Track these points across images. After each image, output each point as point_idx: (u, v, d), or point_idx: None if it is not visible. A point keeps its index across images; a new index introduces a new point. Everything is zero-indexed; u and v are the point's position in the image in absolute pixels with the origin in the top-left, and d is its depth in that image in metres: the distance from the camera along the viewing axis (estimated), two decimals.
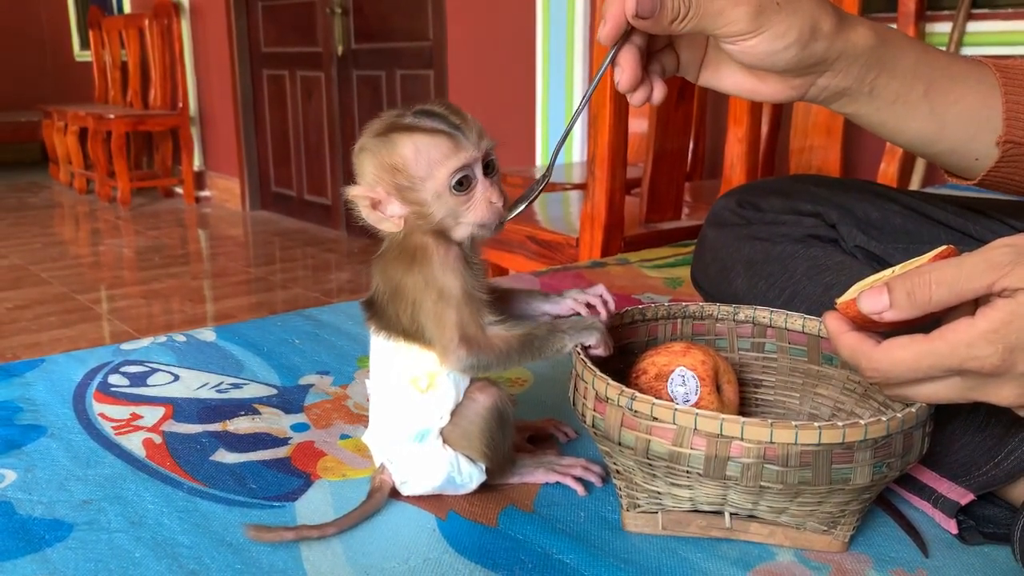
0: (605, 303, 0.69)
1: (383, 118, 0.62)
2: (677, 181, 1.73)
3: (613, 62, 0.62)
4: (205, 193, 5.18)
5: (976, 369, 0.48)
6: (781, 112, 2.02)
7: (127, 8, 5.58)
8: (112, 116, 4.78)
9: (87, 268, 3.64)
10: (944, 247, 0.52)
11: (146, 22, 4.99)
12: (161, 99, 5.06)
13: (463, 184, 0.60)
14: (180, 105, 4.97)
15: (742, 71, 0.65)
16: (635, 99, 0.65)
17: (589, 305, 0.69)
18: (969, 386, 0.51)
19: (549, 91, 2.83)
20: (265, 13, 4.47)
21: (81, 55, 6.36)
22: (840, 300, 0.55)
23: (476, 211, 0.61)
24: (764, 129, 1.93)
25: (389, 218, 0.62)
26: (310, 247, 4.00)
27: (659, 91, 0.65)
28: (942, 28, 2.03)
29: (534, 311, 0.70)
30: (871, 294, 0.51)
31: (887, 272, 0.54)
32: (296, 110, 4.41)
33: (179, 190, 5.22)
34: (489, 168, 0.62)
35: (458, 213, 0.61)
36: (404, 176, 0.60)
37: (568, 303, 0.69)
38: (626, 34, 0.61)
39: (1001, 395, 0.50)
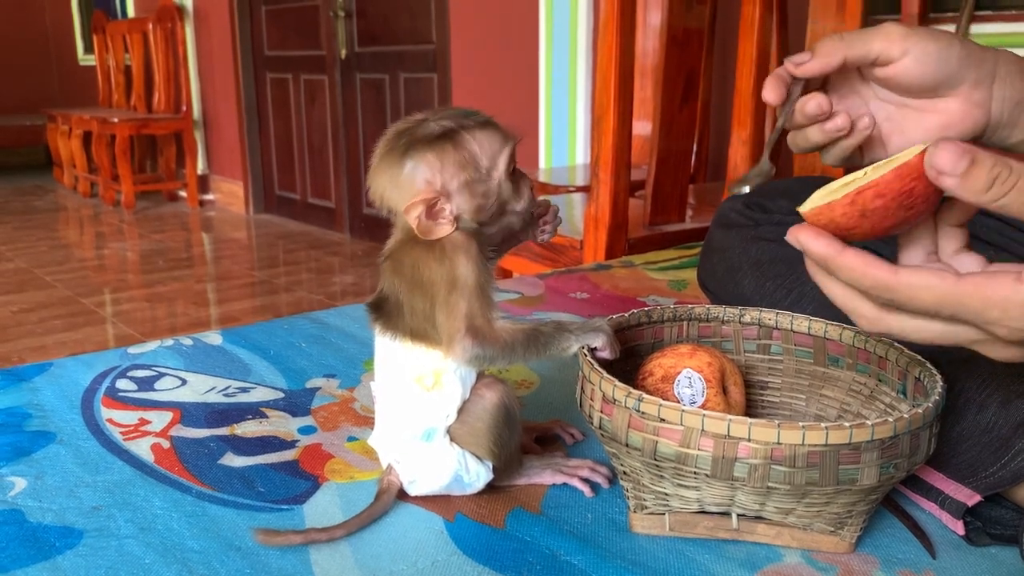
0: (554, 211, 0.72)
1: (416, 128, 0.62)
2: (681, 183, 1.73)
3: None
4: (209, 196, 5.18)
5: (998, 334, 0.45)
6: None
7: (131, 12, 5.59)
8: (116, 120, 4.79)
9: (91, 271, 3.65)
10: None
11: (150, 26, 5.00)
12: (165, 103, 5.07)
13: (515, 171, 0.64)
14: (184, 109, 4.98)
15: (922, 114, 0.60)
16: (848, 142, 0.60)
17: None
18: (972, 339, 0.47)
19: (552, 94, 2.83)
20: (268, 16, 4.48)
21: (85, 59, 6.38)
22: (807, 209, 0.50)
23: (523, 197, 0.65)
24: (767, 132, 1.93)
25: (443, 221, 0.62)
26: (314, 250, 4.00)
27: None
28: (945, 30, 2.03)
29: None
30: (954, 150, 0.44)
31: (851, 177, 0.50)
32: (299, 113, 4.41)
33: (183, 194, 5.23)
34: None
35: (508, 200, 0.65)
36: (473, 169, 0.62)
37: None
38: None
39: (1000, 354, 0.48)
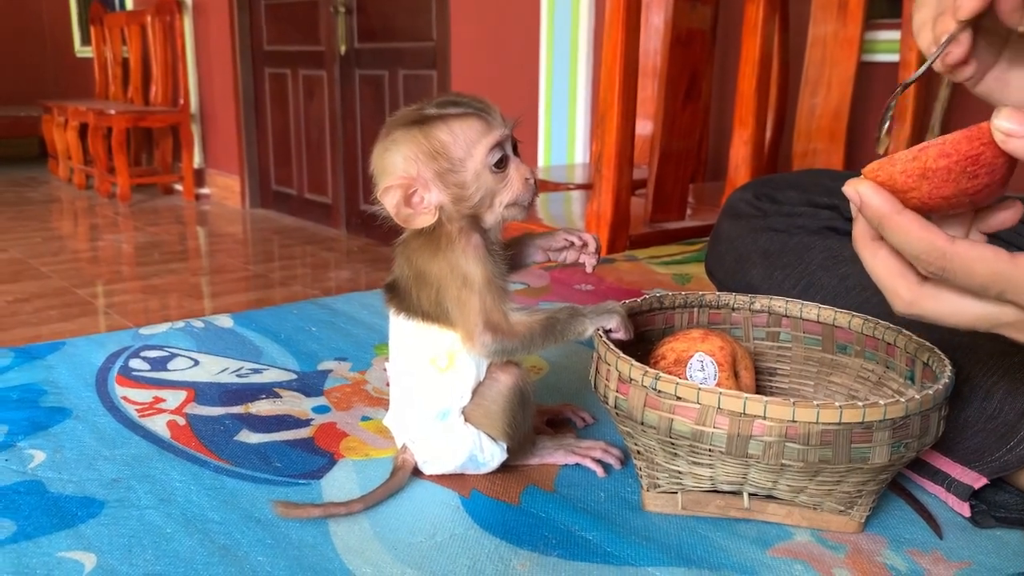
0: (596, 240, 0.73)
1: (404, 114, 0.64)
2: (682, 181, 1.74)
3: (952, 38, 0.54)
4: (205, 190, 5.17)
5: None
6: (785, 115, 2.04)
7: (129, 4, 5.58)
8: (113, 112, 4.78)
9: (86, 263, 3.64)
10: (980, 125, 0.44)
11: (148, 19, 4.99)
12: (162, 96, 5.06)
13: (501, 162, 0.63)
14: (181, 102, 4.97)
15: None
16: (962, 74, 0.57)
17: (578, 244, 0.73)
18: (1010, 320, 0.45)
19: (553, 92, 2.84)
20: (268, 11, 4.48)
21: (82, 51, 6.35)
22: (872, 168, 0.46)
23: (512, 189, 0.64)
24: (768, 133, 1.95)
25: (422, 211, 0.63)
26: (310, 245, 4.00)
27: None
28: None
29: (534, 250, 0.73)
30: (1021, 112, 0.42)
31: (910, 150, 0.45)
32: (297, 109, 4.41)
33: (179, 187, 5.21)
34: (515, 148, 0.64)
35: (495, 192, 0.63)
36: (444, 159, 0.62)
37: (561, 235, 0.73)
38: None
39: None
